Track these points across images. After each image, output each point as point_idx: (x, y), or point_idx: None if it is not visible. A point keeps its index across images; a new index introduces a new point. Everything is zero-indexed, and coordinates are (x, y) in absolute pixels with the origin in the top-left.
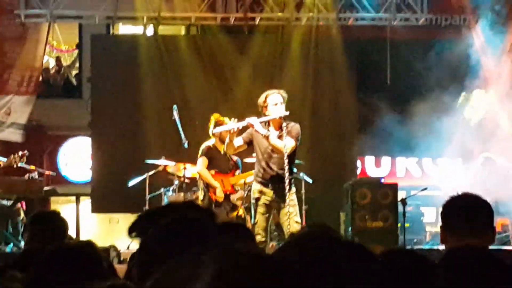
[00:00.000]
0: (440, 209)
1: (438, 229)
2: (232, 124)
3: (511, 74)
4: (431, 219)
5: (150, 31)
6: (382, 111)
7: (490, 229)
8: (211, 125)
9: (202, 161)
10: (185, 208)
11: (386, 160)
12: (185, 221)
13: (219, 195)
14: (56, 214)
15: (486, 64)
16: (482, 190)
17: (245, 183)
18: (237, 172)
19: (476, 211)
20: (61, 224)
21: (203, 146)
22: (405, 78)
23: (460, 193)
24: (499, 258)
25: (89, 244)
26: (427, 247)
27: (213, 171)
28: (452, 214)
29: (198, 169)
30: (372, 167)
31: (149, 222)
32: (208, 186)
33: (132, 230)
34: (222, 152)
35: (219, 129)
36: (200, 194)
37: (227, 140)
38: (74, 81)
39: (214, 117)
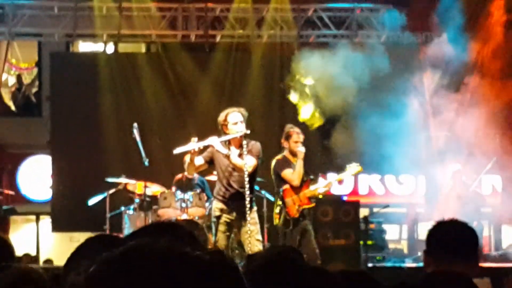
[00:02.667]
0: (405, 227)
1: (401, 246)
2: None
3: (472, 88)
4: (394, 237)
5: (110, 49)
6: (344, 128)
7: (474, 258)
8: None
9: (288, 174)
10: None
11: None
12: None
13: (291, 211)
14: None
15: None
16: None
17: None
18: (311, 183)
19: (461, 239)
20: (6, 247)
21: (273, 161)
22: (368, 95)
23: (446, 219)
24: None
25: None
26: (389, 264)
27: (286, 186)
28: (436, 240)
29: (294, 182)
30: (334, 184)
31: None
32: (284, 202)
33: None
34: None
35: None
36: (276, 209)
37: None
38: (33, 99)
39: (286, 128)
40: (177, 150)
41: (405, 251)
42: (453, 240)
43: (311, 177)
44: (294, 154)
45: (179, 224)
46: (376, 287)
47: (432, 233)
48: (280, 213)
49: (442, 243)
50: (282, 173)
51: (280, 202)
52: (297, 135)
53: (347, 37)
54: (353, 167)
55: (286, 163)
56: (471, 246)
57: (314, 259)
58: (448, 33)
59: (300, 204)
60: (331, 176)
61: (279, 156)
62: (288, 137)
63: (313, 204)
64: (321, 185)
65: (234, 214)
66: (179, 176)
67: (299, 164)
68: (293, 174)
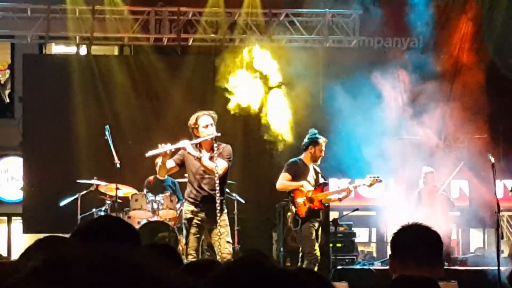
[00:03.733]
0: (375, 230)
1: (370, 248)
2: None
3: (437, 95)
4: (363, 239)
5: (83, 51)
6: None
7: (438, 262)
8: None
9: (281, 177)
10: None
11: None
12: None
13: (301, 211)
14: None
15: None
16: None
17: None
18: (325, 187)
19: (425, 243)
20: None
21: (288, 161)
22: (337, 99)
23: (410, 223)
24: None
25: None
26: (358, 266)
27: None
28: (400, 244)
29: (277, 185)
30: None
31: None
32: (294, 203)
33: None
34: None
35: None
36: (291, 209)
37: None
38: (7, 100)
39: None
40: (149, 153)
41: (374, 254)
42: (416, 244)
43: (326, 181)
44: (315, 159)
45: (122, 221)
46: None
47: (396, 237)
48: (290, 215)
49: (406, 247)
50: (282, 173)
51: (291, 206)
52: (323, 144)
53: (318, 42)
54: (373, 178)
55: (293, 167)
56: (435, 249)
57: (313, 263)
58: (419, 38)
59: (312, 205)
60: (344, 183)
61: (295, 159)
62: (316, 143)
63: (323, 207)
64: (336, 191)
65: (205, 216)
66: (151, 178)
67: (295, 184)
68: (284, 181)
